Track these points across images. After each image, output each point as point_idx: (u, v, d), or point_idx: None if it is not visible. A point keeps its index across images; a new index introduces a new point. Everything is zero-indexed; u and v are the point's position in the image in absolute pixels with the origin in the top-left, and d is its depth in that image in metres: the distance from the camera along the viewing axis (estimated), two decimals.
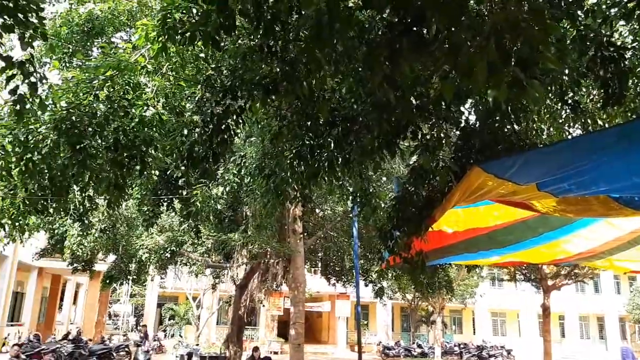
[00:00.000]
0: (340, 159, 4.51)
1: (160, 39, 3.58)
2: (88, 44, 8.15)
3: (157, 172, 6.22)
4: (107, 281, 17.14)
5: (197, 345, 21.50)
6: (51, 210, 5.38)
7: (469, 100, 4.95)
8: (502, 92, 2.07)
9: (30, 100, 3.89)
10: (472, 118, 5.19)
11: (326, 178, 5.14)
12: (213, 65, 4.26)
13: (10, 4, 3.55)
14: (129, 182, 5.71)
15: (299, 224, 11.38)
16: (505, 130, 4.83)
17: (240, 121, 4.39)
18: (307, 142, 4.69)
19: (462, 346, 30.17)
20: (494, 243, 6.97)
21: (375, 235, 13.12)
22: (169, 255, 13.70)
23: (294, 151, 4.87)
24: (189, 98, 4.58)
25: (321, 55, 2.77)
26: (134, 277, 17.39)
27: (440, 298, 25.02)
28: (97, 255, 15.53)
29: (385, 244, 5.49)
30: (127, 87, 4.51)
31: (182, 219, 11.06)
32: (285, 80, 3.13)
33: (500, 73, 2.06)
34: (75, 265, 14.48)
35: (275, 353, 26.36)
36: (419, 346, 29.75)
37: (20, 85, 3.67)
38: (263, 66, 3.79)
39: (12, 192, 5.09)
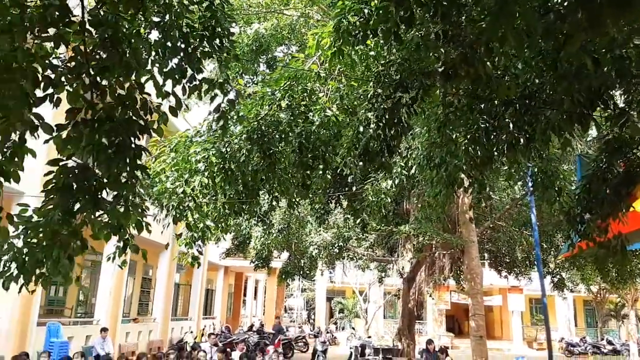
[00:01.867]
0: (521, 140, 4.28)
1: (336, 43, 3.80)
2: (256, 60, 9.02)
3: (329, 172, 6.60)
4: (283, 276, 18.67)
5: (369, 337, 22.12)
6: (245, 212, 6.07)
7: None
8: None
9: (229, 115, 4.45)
10: None
11: (504, 161, 4.93)
12: (382, 62, 4.37)
13: (207, 33, 4.09)
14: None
15: (470, 212, 10.98)
16: None
17: (413, 112, 4.45)
18: (482, 125, 4.54)
19: None
20: None
21: (556, 222, 12.11)
22: (337, 251, 14.39)
23: (467, 136, 4.75)
24: (361, 97, 4.77)
25: (506, 31, 2.67)
26: (306, 272, 18.64)
27: (634, 289, 22.06)
28: (273, 253, 17.02)
29: (575, 229, 5.08)
30: (303, 94, 4.89)
31: (347, 215, 11.48)
32: (464, 62, 3.08)
33: None
34: (256, 262, 16.02)
35: (447, 347, 25.82)
36: (610, 343, 26.53)
37: (221, 103, 4.22)
38: (435, 54, 3.78)
39: (214, 197, 5.86)
